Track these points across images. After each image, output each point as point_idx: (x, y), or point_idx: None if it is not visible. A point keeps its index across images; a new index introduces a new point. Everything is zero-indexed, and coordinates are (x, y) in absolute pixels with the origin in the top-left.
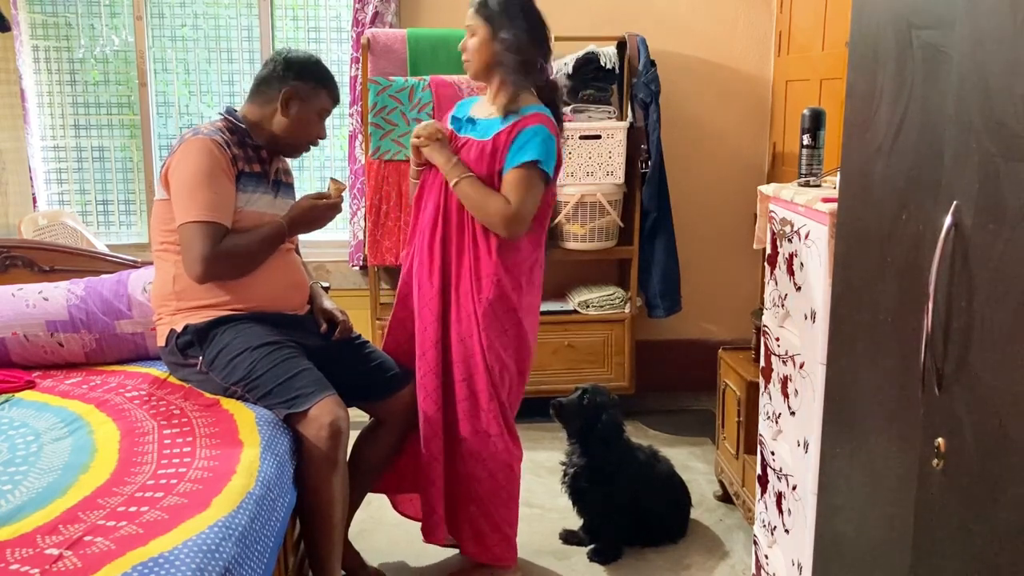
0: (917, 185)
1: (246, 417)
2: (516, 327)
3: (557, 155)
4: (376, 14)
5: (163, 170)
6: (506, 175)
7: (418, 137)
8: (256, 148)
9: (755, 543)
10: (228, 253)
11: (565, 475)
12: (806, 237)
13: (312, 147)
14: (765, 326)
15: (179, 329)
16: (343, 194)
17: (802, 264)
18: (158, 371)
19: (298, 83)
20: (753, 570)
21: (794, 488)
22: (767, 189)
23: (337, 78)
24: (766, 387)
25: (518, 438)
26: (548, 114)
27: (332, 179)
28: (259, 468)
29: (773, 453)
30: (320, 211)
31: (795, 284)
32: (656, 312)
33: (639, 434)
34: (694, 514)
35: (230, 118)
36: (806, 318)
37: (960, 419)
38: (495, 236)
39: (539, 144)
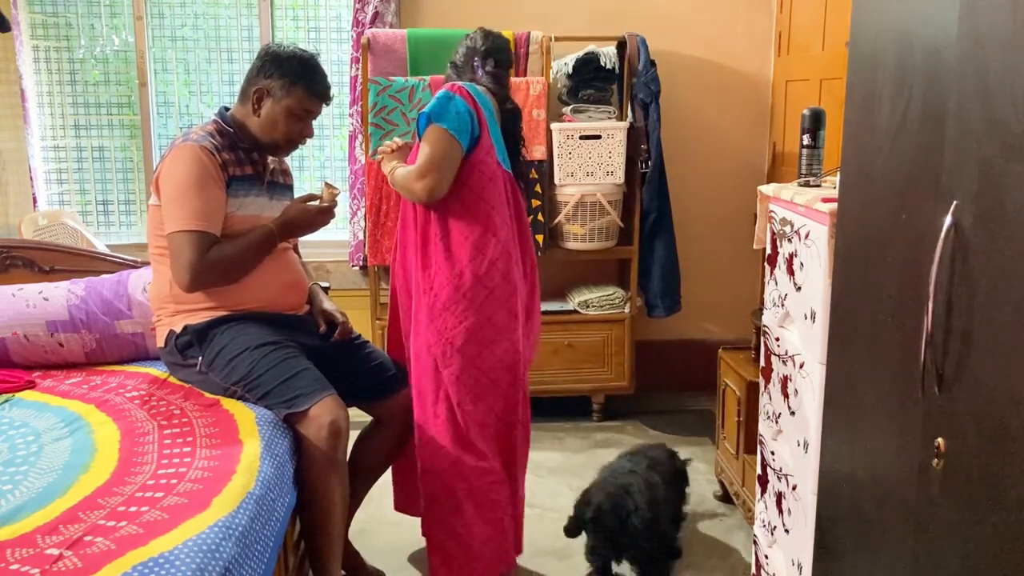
0: (917, 185)
1: (246, 417)
2: (477, 317)
3: (474, 120)
4: (376, 14)
5: (155, 176)
6: None
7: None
8: (247, 150)
9: (755, 543)
10: (216, 262)
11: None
12: (806, 237)
13: (296, 146)
14: (765, 326)
15: (178, 330)
16: (337, 199)
17: (802, 264)
18: (158, 371)
19: (269, 80)
20: (753, 570)
21: (794, 488)
22: (767, 189)
23: (337, 78)
24: (766, 387)
25: (489, 454)
26: (465, 85)
27: (326, 183)
28: (259, 468)
29: (773, 453)
30: (311, 215)
31: (795, 284)
32: (656, 312)
33: (639, 434)
34: (694, 514)
35: (220, 120)
36: (806, 318)
37: (960, 419)
38: (435, 222)
39: (434, 102)
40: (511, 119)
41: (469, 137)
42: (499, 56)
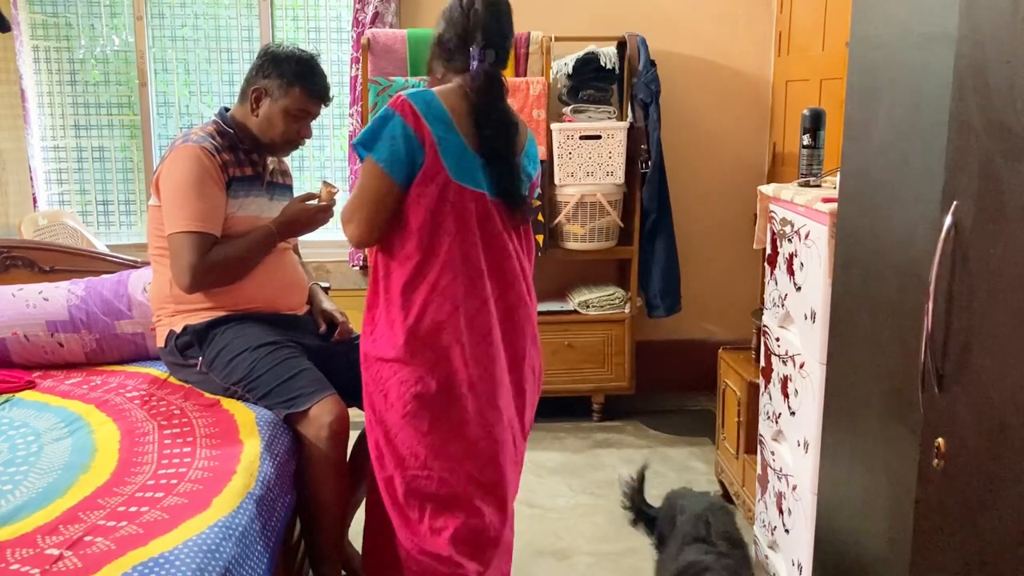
0: (917, 185)
1: (246, 417)
2: (401, 393)
3: (414, 144)
4: (376, 14)
5: (155, 177)
6: None
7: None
8: (247, 150)
9: (755, 543)
10: (217, 263)
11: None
12: (806, 237)
13: (295, 147)
14: (765, 326)
15: (178, 330)
16: (335, 197)
17: (802, 264)
18: (158, 371)
19: (267, 80)
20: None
21: (794, 488)
22: (767, 189)
23: (337, 78)
24: (766, 387)
25: (431, 532)
26: (410, 96)
27: (324, 182)
28: (259, 468)
29: (773, 453)
30: (310, 214)
31: (795, 284)
32: (656, 312)
33: (639, 434)
34: None
35: (220, 121)
36: (806, 318)
37: (960, 419)
38: (376, 263)
39: (367, 127)
40: (497, 130)
41: (408, 167)
42: (500, 46)
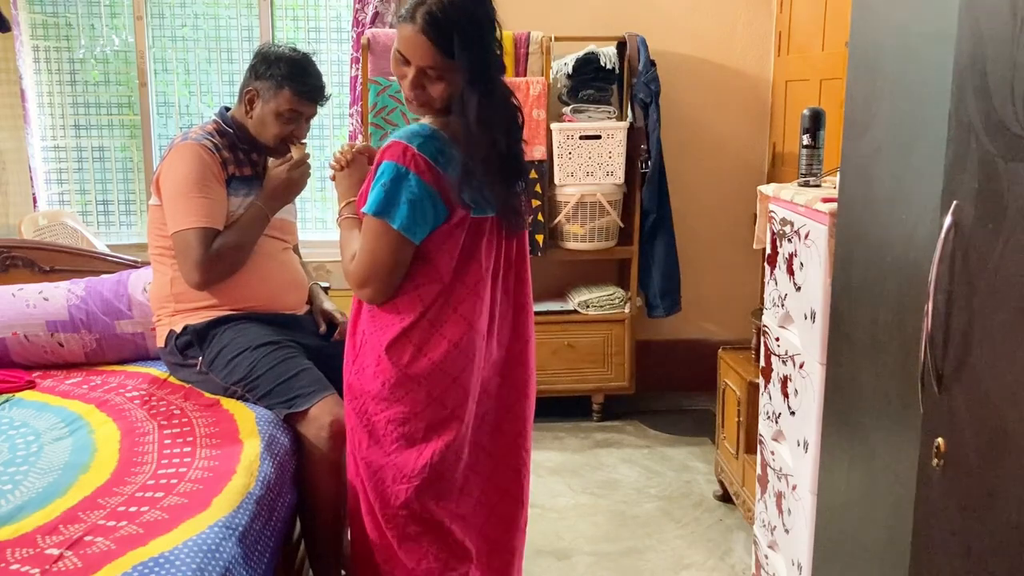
0: (917, 185)
1: (246, 417)
2: (385, 445)
3: (437, 201)
4: (376, 14)
5: (155, 176)
6: None
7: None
8: (247, 150)
9: (755, 543)
10: (221, 253)
11: None
12: (806, 237)
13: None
14: (765, 326)
15: (178, 330)
16: (307, 153)
17: (802, 264)
18: (158, 371)
19: (259, 82)
20: (753, 570)
21: (794, 488)
22: (767, 189)
23: (337, 78)
24: (766, 387)
25: None
26: (409, 140)
27: (291, 144)
28: (259, 468)
29: (773, 453)
30: (284, 176)
31: (795, 284)
32: (656, 312)
33: (639, 434)
34: (694, 514)
35: (220, 121)
36: (806, 318)
37: (960, 419)
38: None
39: (378, 190)
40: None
41: (429, 227)
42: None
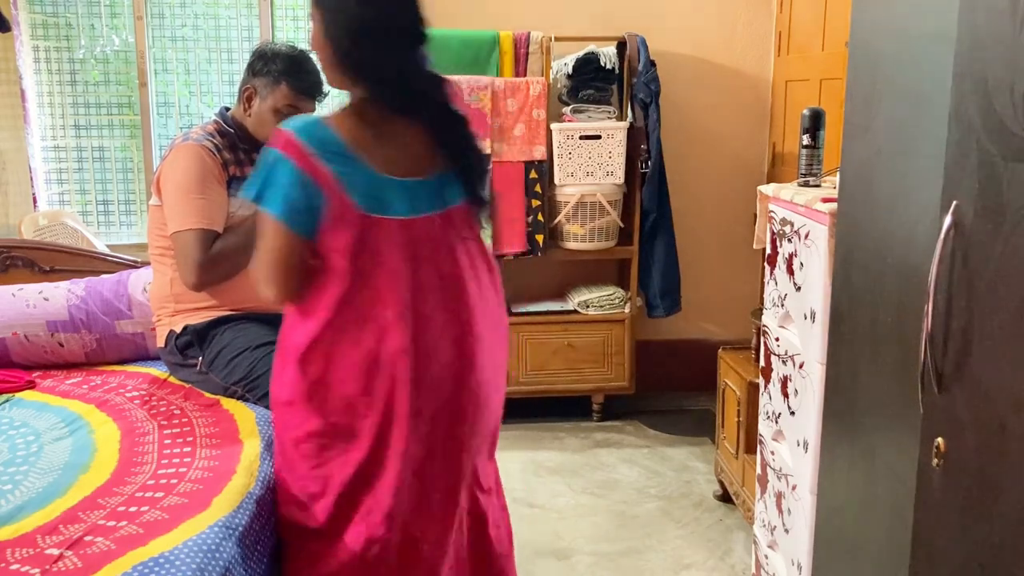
0: (917, 185)
1: (246, 417)
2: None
3: (311, 188)
4: None
5: (155, 176)
6: None
7: None
8: (247, 150)
9: (755, 543)
10: (221, 255)
11: None
12: (806, 237)
13: None
14: (765, 326)
15: (178, 330)
16: None
17: (802, 264)
18: (158, 371)
19: (256, 79)
20: (753, 570)
21: (794, 488)
22: (767, 189)
23: None
24: (766, 387)
25: None
26: (291, 127)
27: None
28: (259, 468)
29: (773, 453)
30: None
31: (795, 284)
32: (656, 312)
33: (639, 434)
34: (694, 514)
35: (220, 120)
36: (806, 318)
37: (960, 419)
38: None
39: (255, 174)
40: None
41: (308, 214)
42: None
